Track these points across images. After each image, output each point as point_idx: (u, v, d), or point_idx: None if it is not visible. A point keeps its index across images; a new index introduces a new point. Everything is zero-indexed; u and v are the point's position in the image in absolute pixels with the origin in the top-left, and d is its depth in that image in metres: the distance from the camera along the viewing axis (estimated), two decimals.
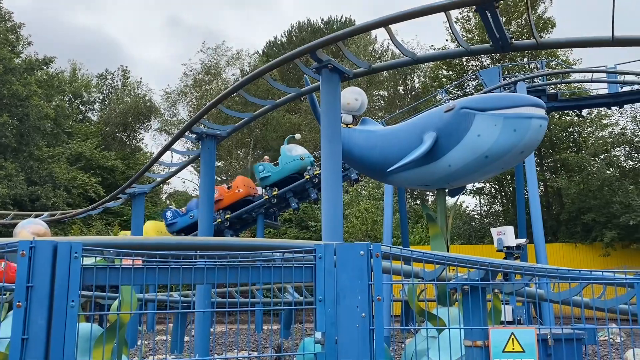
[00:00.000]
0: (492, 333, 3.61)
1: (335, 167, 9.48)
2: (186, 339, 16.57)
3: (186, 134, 14.13)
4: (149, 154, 42.54)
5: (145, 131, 47.32)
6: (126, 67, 49.25)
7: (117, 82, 48.27)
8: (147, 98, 45.92)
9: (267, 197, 20.67)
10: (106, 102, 47.06)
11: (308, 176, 19.89)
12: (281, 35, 49.56)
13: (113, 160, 38.31)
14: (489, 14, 7.44)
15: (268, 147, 41.37)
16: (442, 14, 8.18)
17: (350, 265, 3.36)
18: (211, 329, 11.99)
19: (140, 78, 46.57)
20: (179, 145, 34.32)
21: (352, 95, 12.60)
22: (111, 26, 77.50)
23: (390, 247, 3.65)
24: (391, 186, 18.38)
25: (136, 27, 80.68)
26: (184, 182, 45.14)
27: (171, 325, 14.38)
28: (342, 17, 48.67)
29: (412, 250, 3.91)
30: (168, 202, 41.07)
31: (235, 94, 12.69)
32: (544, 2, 29.11)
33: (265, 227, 24.95)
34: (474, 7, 7.46)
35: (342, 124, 12.27)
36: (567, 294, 6.61)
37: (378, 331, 3.31)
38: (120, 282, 3.12)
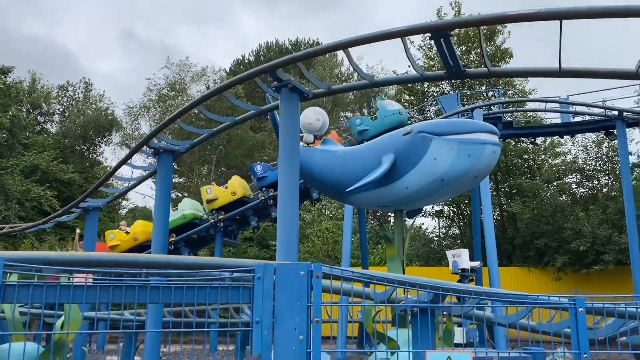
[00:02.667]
0: (429, 356, 3.62)
1: (291, 186, 9.47)
2: (137, 359, 16.05)
3: (144, 148, 13.88)
4: (108, 168, 41.59)
5: (105, 145, 46.34)
6: (88, 79, 48.25)
7: (78, 94, 47.22)
8: (109, 111, 45.04)
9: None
10: (66, 114, 45.89)
11: (263, 197, 19.69)
12: (249, 54, 49.73)
13: (70, 173, 37.25)
14: (443, 42, 7.65)
15: (231, 164, 41.06)
16: (402, 40, 8.36)
17: (290, 286, 3.32)
18: (164, 349, 11.66)
19: (103, 91, 45.69)
20: (140, 160, 33.78)
21: (314, 115, 12.66)
22: (63, 36, 75.75)
23: (332, 267, 3.64)
24: (351, 206, 18.48)
25: (89, 39, 79.13)
26: (144, 197, 44.35)
27: (121, 344, 13.92)
28: (309, 39, 49.26)
29: (352, 271, 3.91)
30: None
31: (198, 110, 12.60)
32: (502, 34, 30.19)
33: (224, 245, 24.63)
34: (430, 34, 7.67)
35: (303, 143, 12.33)
36: (513, 318, 6.73)
37: (315, 354, 3.28)
38: (43, 301, 3.00)
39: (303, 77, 21.54)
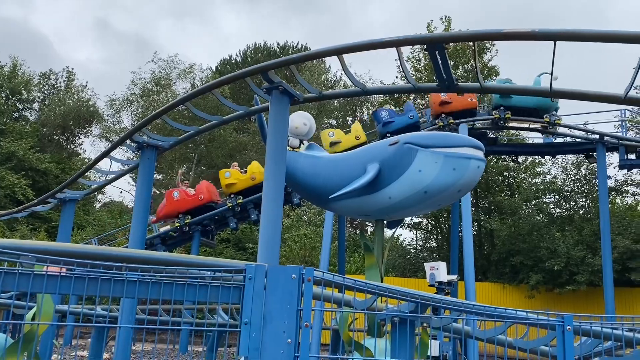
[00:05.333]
0: None
1: (277, 189, 9.41)
2: (106, 355, 15.71)
3: (127, 142, 13.67)
4: (86, 160, 40.88)
5: (85, 136, 45.57)
6: (72, 68, 47.37)
7: (60, 83, 46.39)
8: (90, 103, 44.34)
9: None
10: (46, 103, 45.03)
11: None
12: (236, 55, 49.54)
13: (47, 163, 36.51)
14: (438, 55, 7.70)
15: (212, 163, 40.73)
16: (395, 50, 8.40)
17: (280, 288, 3.27)
18: (134, 347, 11.44)
19: (86, 82, 44.86)
20: (118, 153, 33.27)
21: (301, 120, 12.63)
22: (38, 21, 73.76)
23: (324, 272, 3.60)
24: (332, 213, 18.46)
25: (64, 25, 77.24)
26: (121, 192, 43.65)
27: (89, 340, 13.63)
28: (297, 43, 49.31)
29: (344, 277, 3.87)
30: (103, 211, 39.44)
31: (183, 108, 12.50)
32: (490, 51, 30.63)
33: (201, 245, 24.37)
34: (425, 46, 7.71)
35: (288, 148, 12.28)
36: (492, 333, 6.75)
37: (303, 358, 3.22)
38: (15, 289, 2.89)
39: (291, 81, 21.57)
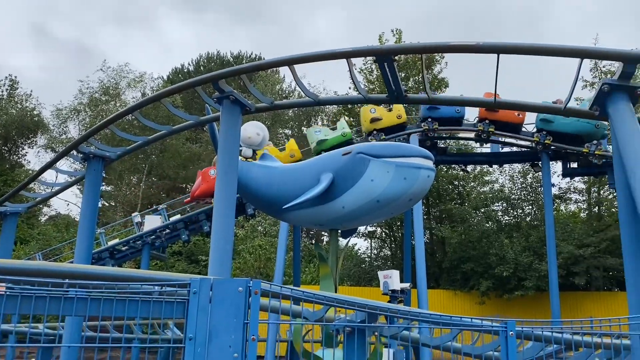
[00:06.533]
0: None
1: (228, 200, 9.27)
2: None
3: (73, 152, 13.19)
4: (30, 172, 39.16)
5: (29, 147, 43.65)
6: (15, 77, 45.42)
7: (2, 91, 44.38)
8: (35, 112, 42.58)
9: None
10: None
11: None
12: (188, 64, 48.92)
13: None
14: (387, 66, 7.82)
15: (164, 174, 39.88)
16: (345, 61, 8.48)
17: (227, 301, 3.19)
18: None
19: (31, 90, 43.03)
20: (65, 165, 32.08)
21: (254, 130, 12.53)
22: None
23: (271, 284, 3.54)
24: (287, 224, 18.37)
25: None
26: (67, 204, 42.07)
27: None
28: (251, 53, 49.18)
29: (292, 289, 3.83)
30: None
31: (133, 117, 12.16)
32: (439, 64, 31.46)
33: (152, 258, 23.74)
34: (374, 57, 7.82)
35: (241, 158, 12.16)
36: (442, 340, 6.85)
37: None
38: None
39: (245, 91, 21.43)
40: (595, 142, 17.76)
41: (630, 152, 6.71)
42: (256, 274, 26.03)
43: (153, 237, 20.95)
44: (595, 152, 17.45)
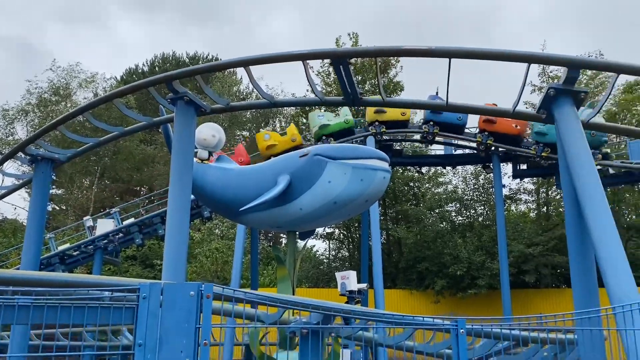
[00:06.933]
0: None
1: (183, 202, 9.13)
2: None
3: (19, 154, 12.68)
4: None
5: None
6: None
7: None
8: None
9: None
10: None
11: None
12: (143, 64, 47.85)
13: None
14: (342, 69, 7.89)
15: (117, 176, 38.82)
16: (303, 64, 8.50)
17: (178, 306, 3.14)
18: None
19: None
20: (12, 167, 30.77)
21: (210, 131, 12.37)
22: None
23: (223, 287, 3.50)
24: (244, 226, 18.21)
25: None
26: (15, 208, 40.26)
27: None
28: (208, 54, 48.56)
29: (245, 292, 3.80)
30: None
31: (85, 118, 11.80)
32: (395, 68, 31.93)
33: (105, 263, 23.08)
34: (330, 60, 7.87)
35: (197, 160, 11.99)
36: (396, 339, 6.96)
37: None
38: None
39: (201, 92, 21.14)
40: (592, 151, 17.88)
41: (574, 153, 7.00)
42: (213, 278, 25.70)
43: (105, 241, 20.38)
44: (542, 154, 17.93)
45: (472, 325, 3.93)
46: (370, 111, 19.20)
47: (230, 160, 12.54)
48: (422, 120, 19.35)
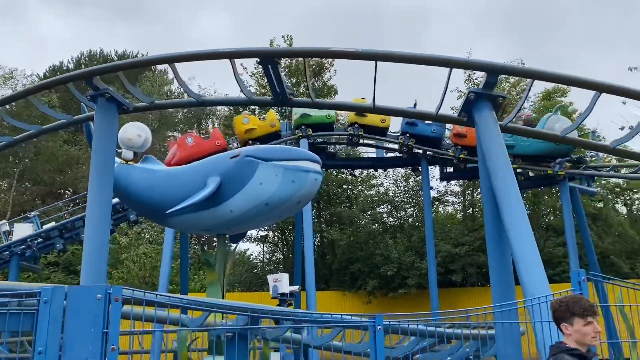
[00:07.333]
0: None
1: (103, 204, 8.72)
2: None
3: None
4: None
5: None
6: None
7: None
8: None
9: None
10: None
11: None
12: (68, 61, 45.62)
13: None
14: (271, 69, 7.83)
15: (38, 179, 36.69)
16: (240, 63, 8.36)
17: (83, 310, 2.96)
18: None
19: None
20: None
21: (135, 131, 11.94)
22: None
23: (133, 290, 3.35)
24: (173, 230, 17.72)
25: None
26: None
27: None
28: (137, 53, 46.99)
29: (156, 294, 3.66)
30: None
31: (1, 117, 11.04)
32: (329, 71, 32.28)
33: (23, 270, 21.75)
34: (258, 59, 7.80)
35: (121, 160, 11.54)
36: (323, 339, 6.96)
37: None
38: None
39: (129, 91, 20.35)
40: (559, 159, 17.41)
41: (492, 155, 7.31)
42: (141, 284, 24.81)
43: (23, 246, 19.22)
44: (460, 156, 18.60)
45: (389, 321, 3.99)
46: (351, 113, 19.11)
47: (157, 162, 12.17)
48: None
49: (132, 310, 3.44)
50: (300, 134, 18.28)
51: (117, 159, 11.71)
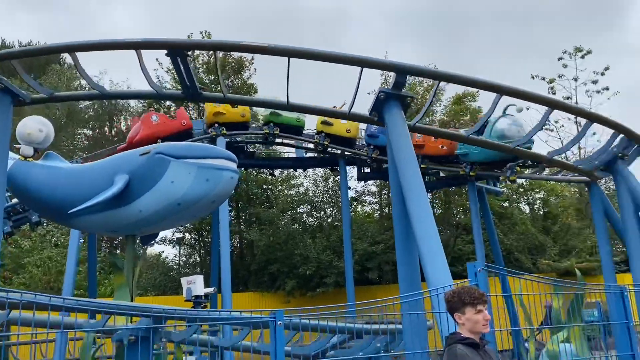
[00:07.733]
0: None
1: None
2: None
3: None
4: None
5: None
6: None
7: None
8: None
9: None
10: None
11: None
12: None
13: None
14: (180, 61, 7.59)
15: None
16: (156, 58, 8.02)
17: None
18: None
19: None
20: None
21: (36, 125, 11.19)
22: None
23: (8, 291, 3.07)
24: (79, 231, 16.77)
25: None
26: None
27: None
28: (45, 44, 44.07)
29: (36, 294, 3.39)
30: None
31: None
32: (249, 70, 31.97)
33: None
34: (166, 51, 7.53)
35: (20, 157, 10.85)
36: (234, 340, 6.83)
37: None
38: None
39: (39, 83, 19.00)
40: (510, 164, 17.38)
41: (400, 154, 7.52)
42: (45, 289, 23.28)
43: None
44: (372, 156, 19.05)
45: (290, 317, 3.96)
46: (318, 121, 18.94)
47: (60, 159, 11.49)
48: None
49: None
50: (214, 133, 17.85)
51: (15, 156, 10.95)
